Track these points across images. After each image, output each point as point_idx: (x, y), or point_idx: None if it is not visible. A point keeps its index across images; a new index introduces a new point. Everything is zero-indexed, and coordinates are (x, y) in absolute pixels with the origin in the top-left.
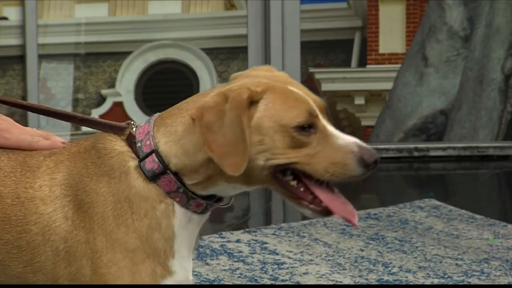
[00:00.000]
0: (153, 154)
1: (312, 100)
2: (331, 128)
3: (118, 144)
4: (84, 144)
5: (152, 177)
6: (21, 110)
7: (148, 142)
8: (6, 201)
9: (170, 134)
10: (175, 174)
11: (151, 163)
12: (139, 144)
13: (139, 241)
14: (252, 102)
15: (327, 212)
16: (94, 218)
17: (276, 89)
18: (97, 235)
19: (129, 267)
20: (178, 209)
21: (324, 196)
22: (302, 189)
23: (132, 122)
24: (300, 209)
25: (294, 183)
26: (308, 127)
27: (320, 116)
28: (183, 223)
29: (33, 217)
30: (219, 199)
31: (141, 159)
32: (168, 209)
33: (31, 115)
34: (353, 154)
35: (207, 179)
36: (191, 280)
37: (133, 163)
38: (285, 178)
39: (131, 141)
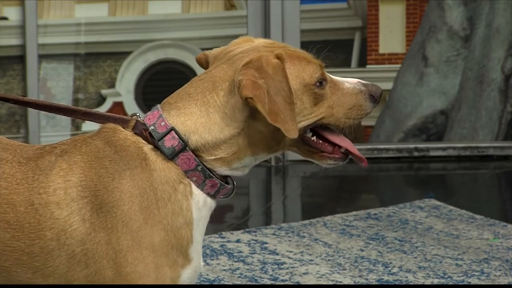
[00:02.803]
0: (172, 132)
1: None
2: (333, 76)
3: (130, 135)
4: (95, 143)
5: (172, 155)
6: (21, 110)
7: (163, 123)
8: (19, 209)
9: (186, 115)
10: (193, 152)
11: (170, 141)
12: (152, 128)
13: (164, 232)
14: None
15: (345, 157)
16: (118, 217)
17: (286, 52)
18: (121, 234)
19: (155, 262)
20: (195, 190)
21: (342, 143)
22: (320, 142)
23: (138, 114)
24: (321, 162)
25: (314, 138)
26: (322, 82)
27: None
28: (199, 204)
29: (48, 222)
30: (227, 182)
31: (159, 139)
32: (186, 189)
33: (31, 115)
34: (362, 93)
35: (232, 154)
36: (202, 265)
37: (147, 147)
38: (307, 136)
39: (140, 129)
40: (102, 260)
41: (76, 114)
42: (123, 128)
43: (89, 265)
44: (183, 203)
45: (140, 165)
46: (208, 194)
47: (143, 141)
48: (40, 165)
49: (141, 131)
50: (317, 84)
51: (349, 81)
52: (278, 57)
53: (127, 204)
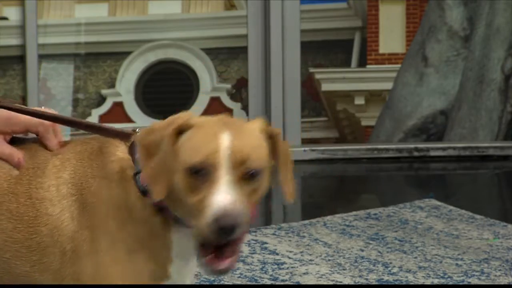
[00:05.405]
0: None
1: (229, 148)
2: (222, 186)
3: (120, 150)
4: (91, 145)
5: (145, 193)
6: None
7: None
8: (20, 200)
9: None
10: None
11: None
12: (137, 155)
13: (139, 245)
14: (180, 132)
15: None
16: (98, 217)
17: (202, 125)
18: (100, 234)
19: (131, 267)
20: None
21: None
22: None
23: (138, 130)
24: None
25: None
26: (203, 172)
27: (223, 167)
28: (181, 233)
29: (43, 218)
30: None
31: (135, 173)
32: (165, 220)
33: None
34: (210, 222)
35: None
36: (188, 283)
37: (131, 171)
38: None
39: (133, 150)
40: (86, 257)
41: (79, 126)
42: (124, 142)
43: (75, 262)
44: (160, 231)
45: (118, 182)
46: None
47: (131, 163)
48: (37, 159)
49: (133, 153)
50: (190, 170)
51: (216, 202)
52: (186, 124)
53: (104, 208)
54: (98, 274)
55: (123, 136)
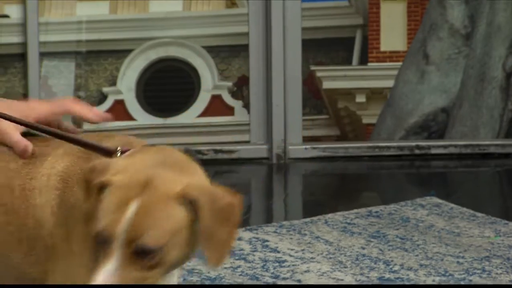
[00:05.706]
0: None
1: (128, 222)
2: (107, 265)
3: None
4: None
5: None
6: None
7: None
8: (15, 194)
9: None
10: None
11: None
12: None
13: None
14: (103, 187)
15: None
16: (74, 218)
17: (118, 187)
18: (74, 236)
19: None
20: None
21: None
22: None
23: (119, 149)
24: None
25: None
26: (101, 241)
27: (115, 242)
28: None
29: (30, 209)
30: None
31: None
32: None
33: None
34: None
35: None
36: None
37: None
38: None
39: None
40: (60, 256)
41: (65, 139)
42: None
43: (53, 259)
44: None
45: (97, 195)
46: None
47: None
48: (44, 151)
49: None
50: (96, 235)
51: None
52: (104, 183)
53: (79, 212)
54: (67, 275)
55: (106, 153)
